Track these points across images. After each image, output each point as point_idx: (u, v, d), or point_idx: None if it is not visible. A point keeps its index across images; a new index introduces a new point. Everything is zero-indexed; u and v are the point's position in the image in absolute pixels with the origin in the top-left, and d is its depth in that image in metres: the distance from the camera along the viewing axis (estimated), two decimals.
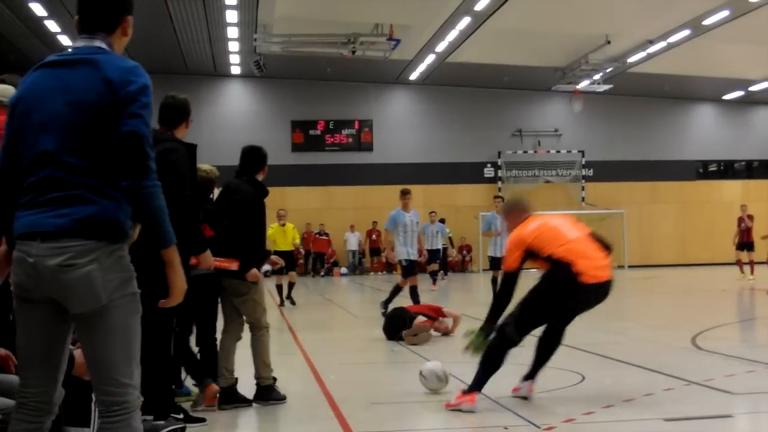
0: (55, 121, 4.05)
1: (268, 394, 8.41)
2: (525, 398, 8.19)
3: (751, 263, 27.64)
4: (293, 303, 21.09)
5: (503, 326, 7.79)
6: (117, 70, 4.06)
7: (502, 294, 7.97)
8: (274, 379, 8.55)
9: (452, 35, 31.33)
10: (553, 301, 7.80)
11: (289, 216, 21.48)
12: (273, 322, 16.78)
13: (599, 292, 7.89)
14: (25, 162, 4.09)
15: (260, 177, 8.87)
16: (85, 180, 3.97)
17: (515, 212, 8.50)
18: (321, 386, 9.33)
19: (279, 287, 21.70)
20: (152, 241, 4.03)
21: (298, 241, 22.42)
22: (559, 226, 8.14)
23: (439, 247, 27.25)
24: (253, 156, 8.94)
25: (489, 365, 7.76)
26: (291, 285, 21.38)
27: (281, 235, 21.24)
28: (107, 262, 3.95)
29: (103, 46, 4.20)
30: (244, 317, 8.59)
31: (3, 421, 4.46)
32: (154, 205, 3.97)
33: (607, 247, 8.08)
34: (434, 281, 26.88)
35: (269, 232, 20.19)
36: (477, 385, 7.75)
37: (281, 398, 8.45)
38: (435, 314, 13.93)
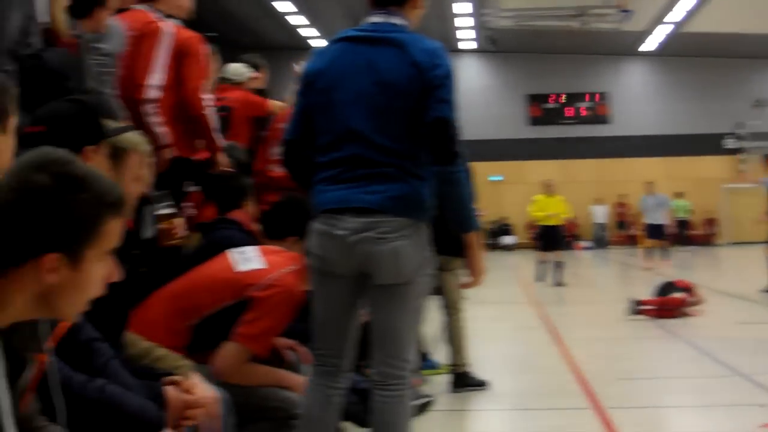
0: (362, 100, 4.07)
1: (464, 380, 8.01)
2: None
3: None
4: (560, 284, 18.91)
5: None
6: (423, 53, 4.06)
7: None
8: (468, 364, 8.11)
9: (687, 4, 30.46)
10: None
11: (530, 189, 20.59)
12: (516, 296, 16.95)
13: None
14: (326, 137, 4.14)
15: None
16: (395, 160, 4.02)
17: None
18: (567, 361, 9.31)
19: (542, 264, 19.71)
20: (454, 225, 4.14)
21: (565, 213, 19.81)
22: None
23: (661, 221, 23.54)
24: None
25: None
26: (557, 264, 19.22)
27: (549, 208, 19.22)
28: (414, 240, 4.04)
29: (401, 22, 4.20)
30: (440, 298, 8.12)
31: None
32: (459, 190, 4.04)
33: None
34: (658, 259, 23.50)
35: (535, 205, 19.44)
36: None
37: (480, 384, 8.01)
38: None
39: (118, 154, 3.66)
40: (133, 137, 3.81)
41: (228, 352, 4.29)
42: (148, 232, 4.81)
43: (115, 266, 2.14)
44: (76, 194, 1.98)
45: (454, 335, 8.12)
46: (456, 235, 4.31)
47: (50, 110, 3.50)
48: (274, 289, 4.31)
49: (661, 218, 23.40)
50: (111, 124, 3.79)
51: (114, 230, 2.06)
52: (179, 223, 4.56)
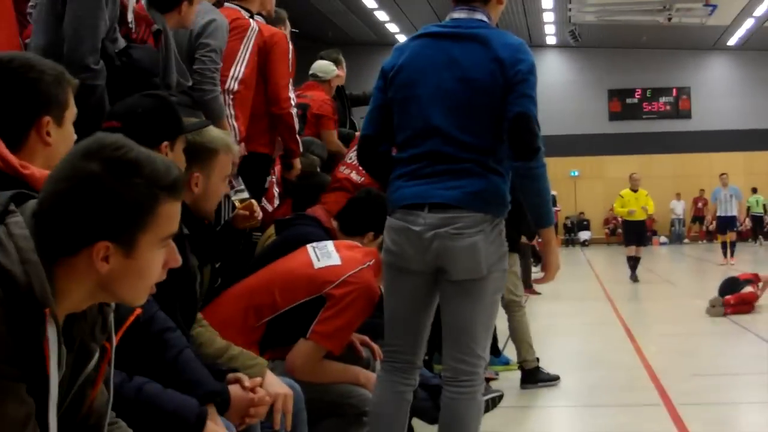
0: (444, 96, 4.06)
1: (535, 376, 7.99)
2: None
3: None
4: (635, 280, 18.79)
5: None
6: (507, 48, 4.04)
7: None
8: (538, 359, 8.12)
9: None
10: None
11: (608, 184, 20.48)
12: (591, 292, 16.90)
13: None
14: (405, 133, 4.15)
15: None
16: (474, 155, 4.02)
17: None
18: (640, 357, 9.33)
19: (631, 259, 19.12)
20: (532, 220, 4.12)
21: (651, 209, 19.83)
22: None
23: (734, 213, 22.93)
24: None
25: None
26: (635, 260, 19.01)
27: (634, 203, 19.08)
28: (491, 235, 4.04)
29: (485, 19, 4.18)
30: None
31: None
32: (540, 185, 4.02)
33: None
34: (729, 253, 22.77)
35: (621, 200, 19.13)
36: None
37: (553, 379, 8.03)
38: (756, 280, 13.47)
39: (208, 155, 3.68)
40: (224, 138, 3.81)
41: (303, 350, 4.25)
42: (226, 216, 4.93)
43: (174, 252, 2.08)
44: (127, 179, 1.92)
45: (517, 332, 8.14)
46: (511, 231, 4.32)
47: (126, 106, 3.51)
48: (350, 286, 4.27)
49: (732, 210, 22.85)
50: (190, 119, 3.80)
51: (170, 214, 2.00)
52: (255, 206, 4.51)
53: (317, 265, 4.39)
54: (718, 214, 22.94)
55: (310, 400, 3.84)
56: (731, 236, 22.98)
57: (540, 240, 4.32)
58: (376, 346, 4.65)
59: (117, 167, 1.92)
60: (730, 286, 13.05)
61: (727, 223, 22.85)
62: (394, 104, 4.18)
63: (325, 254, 4.45)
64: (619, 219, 21.26)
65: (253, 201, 4.61)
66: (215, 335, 3.68)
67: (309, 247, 4.54)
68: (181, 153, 3.43)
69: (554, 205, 7.25)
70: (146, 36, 4.51)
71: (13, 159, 2.43)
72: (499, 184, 4.06)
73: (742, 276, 13.56)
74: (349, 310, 4.26)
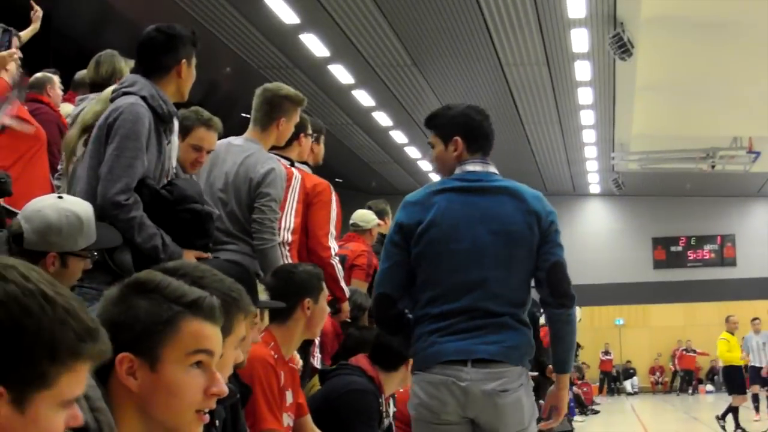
0: (482, 250, 4.11)
1: None
2: None
3: None
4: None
5: None
6: (538, 201, 4.22)
7: None
8: None
9: None
10: None
11: (652, 333, 20.06)
12: None
13: None
14: (435, 289, 4.14)
15: None
16: (510, 309, 4.10)
17: None
18: None
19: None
20: (555, 364, 4.27)
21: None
22: None
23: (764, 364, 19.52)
24: None
25: None
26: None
27: (736, 347, 18.57)
28: (528, 388, 4.13)
29: (496, 171, 4.30)
30: None
31: None
32: (574, 330, 4.21)
33: None
34: (756, 408, 19.71)
35: (724, 344, 18.50)
36: None
37: None
38: None
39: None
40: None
41: None
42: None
43: (219, 380, 2.09)
44: (146, 295, 2.05)
45: None
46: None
47: (215, 267, 3.63)
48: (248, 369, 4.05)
49: (764, 359, 19.36)
50: (264, 295, 3.88)
51: (195, 332, 2.04)
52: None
53: None
54: (751, 363, 19.40)
55: None
56: (755, 389, 19.65)
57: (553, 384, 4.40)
58: None
59: (135, 287, 2.08)
60: None
61: (758, 374, 19.46)
62: (422, 260, 4.18)
63: None
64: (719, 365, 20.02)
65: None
66: None
67: None
68: (249, 326, 3.36)
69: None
70: None
71: None
72: (530, 336, 4.19)
73: None
74: (261, 387, 4.16)
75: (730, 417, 17.74)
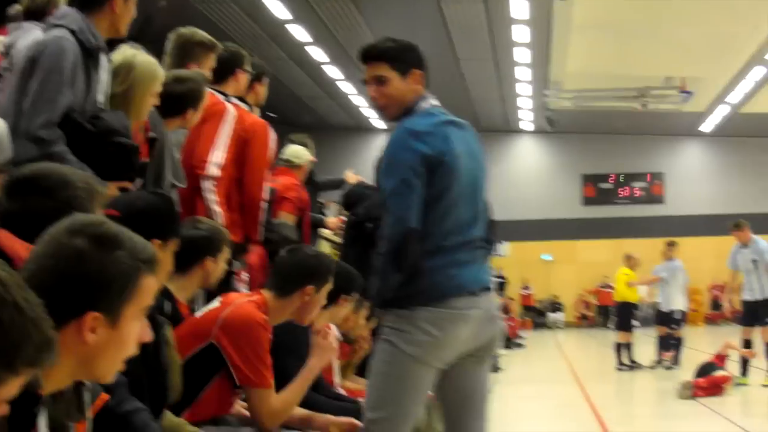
0: (475, 183, 4.19)
1: None
2: None
3: None
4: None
5: None
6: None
7: None
8: None
9: (746, 86, 30.57)
10: None
11: (578, 268, 20.51)
12: (560, 374, 16.98)
13: None
14: (451, 220, 4.06)
15: None
16: (486, 239, 4.25)
17: None
18: None
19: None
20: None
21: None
22: None
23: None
24: None
25: None
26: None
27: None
28: None
29: None
30: None
31: None
32: None
33: None
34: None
35: (626, 278, 19.18)
36: None
37: None
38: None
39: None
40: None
41: (255, 403, 4.19)
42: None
43: (146, 326, 2.15)
44: (113, 252, 2.01)
45: None
46: None
47: (129, 198, 3.68)
48: (234, 326, 4.14)
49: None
50: (186, 227, 4.03)
51: (149, 287, 2.08)
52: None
53: (197, 314, 4.35)
54: (744, 293, 15.64)
55: None
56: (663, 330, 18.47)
57: None
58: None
59: (103, 241, 2.02)
60: (705, 370, 13.28)
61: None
62: (444, 192, 4.05)
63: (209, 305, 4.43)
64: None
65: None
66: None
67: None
68: (170, 256, 3.55)
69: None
70: (142, 141, 4.60)
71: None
72: None
73: (717, 361, 13.73)
74: (250, 346, 4.13)
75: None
